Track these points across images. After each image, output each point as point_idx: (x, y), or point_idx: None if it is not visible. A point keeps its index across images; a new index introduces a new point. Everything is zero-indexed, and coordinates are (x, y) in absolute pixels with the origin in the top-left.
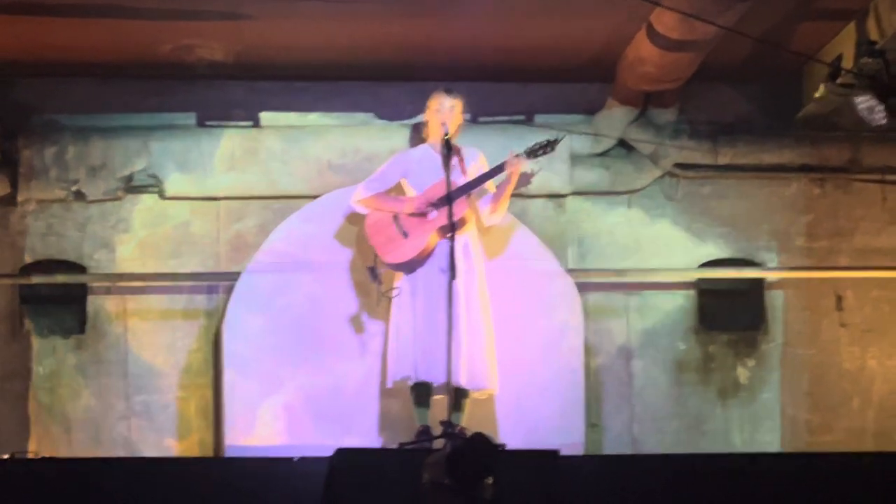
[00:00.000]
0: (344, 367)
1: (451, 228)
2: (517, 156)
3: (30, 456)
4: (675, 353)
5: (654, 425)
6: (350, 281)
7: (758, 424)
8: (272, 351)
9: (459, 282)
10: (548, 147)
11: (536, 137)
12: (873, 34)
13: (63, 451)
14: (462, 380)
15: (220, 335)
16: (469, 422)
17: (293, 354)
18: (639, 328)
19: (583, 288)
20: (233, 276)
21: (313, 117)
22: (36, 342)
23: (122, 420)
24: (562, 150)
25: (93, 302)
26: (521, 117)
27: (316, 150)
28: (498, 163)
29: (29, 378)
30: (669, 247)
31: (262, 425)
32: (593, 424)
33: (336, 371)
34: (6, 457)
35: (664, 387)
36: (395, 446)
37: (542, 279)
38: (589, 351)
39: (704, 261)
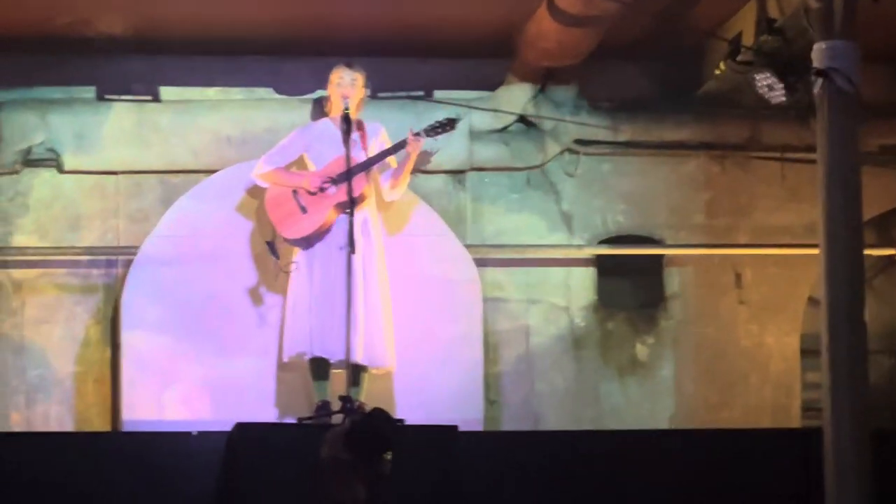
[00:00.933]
0: (243, 342)
1: (350, 204)
2: (416, 134)
3: None
4: (574, 330)
5: (553, 402)
6: (250, 255)
7: (656, 401)
8: (170, 330)
9: (357, 258)
10: (447, 125)
11: (436, 113)
12: (773, 12)
13: None
14: (359, 356)
15: (119, 312)
16: (367, 397)
17: (192, 332)
18: (538, 305)
19: (482, 264)
20: (131, 251)
21: (213, 92)
22: None
23: (17, 395)
24: (462, 126)
25: None
26: (421, 93)
27: (215, 125)
28: (398, 139)
29: None
30: (569, 223)
31: (162, 402)
32: (492, 401)
33: (236, 346)
34: None
35: (563, 363)
36: (293, 421)
37: (442, 256)
38: (487, 328)
39: (604, 237)
